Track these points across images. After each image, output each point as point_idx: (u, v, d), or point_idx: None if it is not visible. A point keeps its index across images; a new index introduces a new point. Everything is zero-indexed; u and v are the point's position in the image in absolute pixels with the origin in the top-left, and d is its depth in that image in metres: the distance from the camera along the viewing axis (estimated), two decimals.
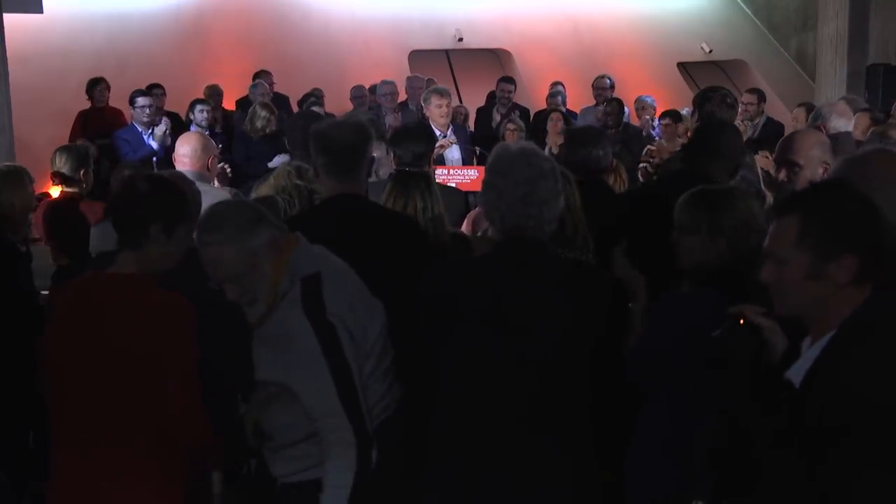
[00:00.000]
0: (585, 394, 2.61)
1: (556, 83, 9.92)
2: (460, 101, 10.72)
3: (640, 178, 6.31)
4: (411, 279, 2.73)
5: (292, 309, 2.54)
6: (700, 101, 4.73)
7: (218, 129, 8.48)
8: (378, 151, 4.19)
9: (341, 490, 2.50)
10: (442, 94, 6.37)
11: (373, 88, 9.22)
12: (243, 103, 9.30)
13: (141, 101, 7.69)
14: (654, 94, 9.41)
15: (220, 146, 7.39)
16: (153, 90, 8.41)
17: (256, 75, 9.69)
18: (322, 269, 2.61)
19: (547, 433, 2.56)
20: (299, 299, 2.55)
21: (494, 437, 2.55)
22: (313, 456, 2.59)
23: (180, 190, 2.71)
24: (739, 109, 6.86)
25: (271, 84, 9.58)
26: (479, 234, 3.89)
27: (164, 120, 7.87)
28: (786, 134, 7.79)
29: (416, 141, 4.11)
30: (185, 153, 4.36)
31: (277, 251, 2.55)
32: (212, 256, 2.50)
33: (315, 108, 7.91)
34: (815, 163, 3.46)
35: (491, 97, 9.75)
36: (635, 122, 9.02)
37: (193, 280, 2.84)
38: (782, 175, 3.57)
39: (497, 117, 8.94)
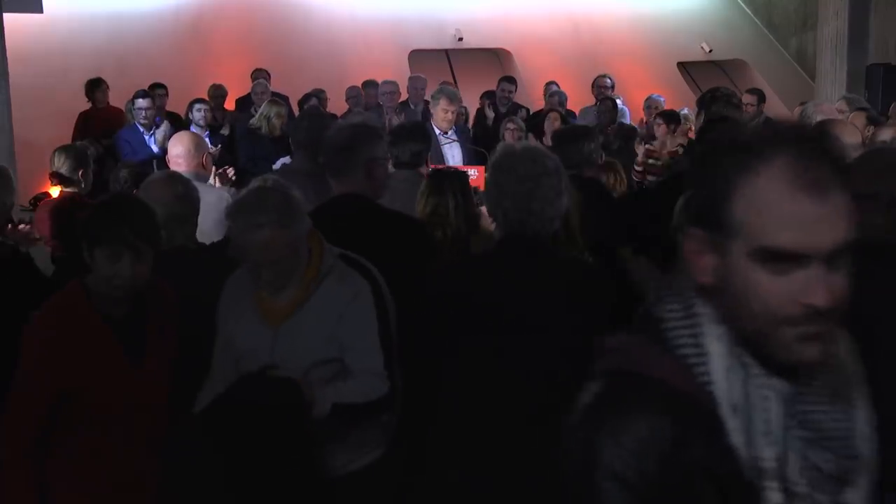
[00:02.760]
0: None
1: (550, 83, 9.91)
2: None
3: (634, 178, 6.32)
4: (408, 278, 2.74)
5: (349, 277, 2.65)
6: (708, 101, 4.72)
7: (224, 131, 8.48)
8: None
9: (358, 394, 2.56)
10: (452, 99, 6.37)
11: (366, 84, 9.21)
12: (243, 103, 9.30)
13: (139, 102, 7.70)
14: (655, 93, 9.40)
15: (220, 146, 7.42)
16: (156, 90, 8.41)
17: (254, 74, 9.70)
18: (341, 250, 2.73)
19: (552, 432, 2.55)
20: (351, 268, 2.66)
21: (500, 436, 2.56)
22: (368, 444, 2.68)
23: (99, 215, 2.69)
24: None
25: (267, 79, 9.60)
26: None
27: (165, 123, 7.87)
28: None
29: (413, 140, 4.14)
30: (179, 153, 4.38)
31: (312, 234, 2.64)
32: (262, 239, 2.51)
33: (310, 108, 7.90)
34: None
35: (483, 96, 9.73)
36: (639, 121, 9.02)
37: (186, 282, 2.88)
38: None
39: (490, 114, 8.93)
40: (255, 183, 2.65)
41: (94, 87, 8.98)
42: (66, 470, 2.68)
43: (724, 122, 3.95)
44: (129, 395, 2.67)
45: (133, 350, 2.69)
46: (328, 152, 3.23)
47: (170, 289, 2.86)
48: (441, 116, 6.30)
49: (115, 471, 2.68)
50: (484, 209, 4.14)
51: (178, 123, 8.21)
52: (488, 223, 3.88)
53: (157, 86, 8.67)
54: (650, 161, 6.52)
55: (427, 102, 8.31)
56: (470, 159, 6.48)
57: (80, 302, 2.66)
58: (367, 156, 3.17)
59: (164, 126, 7.76)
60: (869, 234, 2.20)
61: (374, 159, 3.19)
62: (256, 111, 8.00)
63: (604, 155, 4.73)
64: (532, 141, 7.03)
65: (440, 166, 5.67)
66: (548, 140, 7.46)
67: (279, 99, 8.17)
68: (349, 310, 2.61)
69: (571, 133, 4.22)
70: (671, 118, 7.08)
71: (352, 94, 9.23)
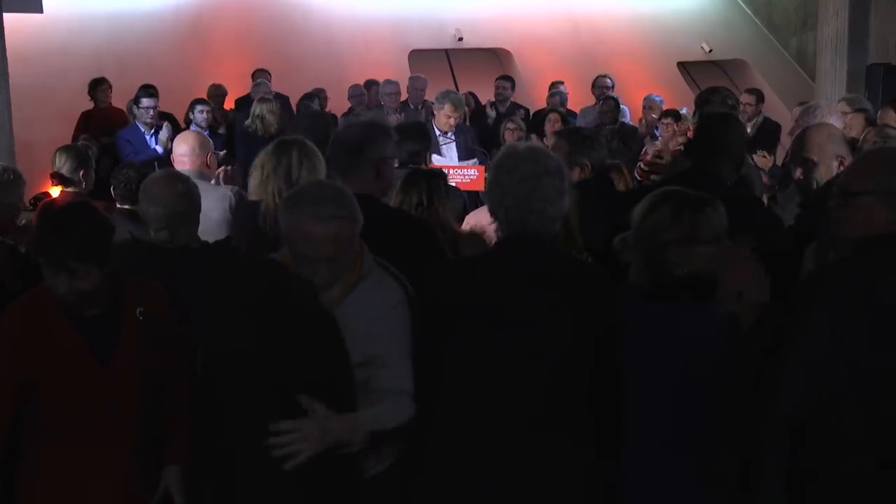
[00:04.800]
0: (588, 393, 2.62)
1: (556, 83, 9.92)
2: None
3: (637, 177, 6.32)
4: (414, 279, 2.74)
5: (386, 282, 2.63)
6: (700, 104, 4.75)
7: (221, 131, 8.48)
8: None
9: (391, 419, 2.56)
10: (457, 106, 6.42)
11: (368, 84, 9.20)
12: (243, 103, 9.30)
13: (145, 102, 7.69)
14: (655, 93, 9.40)
15: (220, 146, 7.41)
16: (149, 90, 8.40)
17: (255, 74, 9.69)
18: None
19: (555, 432, 2.56)
20: (389, 274, 2.65)
21: (502, 436, 2.56)
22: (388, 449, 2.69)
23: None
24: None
25: (268, 79, 9.60)
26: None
27: (166, 124, 7.86)
28: (782, 133, 7.86)
29: (412, 140, 4.14)
30: (184, 152, 4.40)
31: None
32: (331, 231, 2.47)
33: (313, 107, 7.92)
34: (830, 157, 3.42)
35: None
36: (639, 120, 9.02)
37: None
38: (798, 174, 3.54)
39: (492, 114, 8.94)
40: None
41: (97, 85, 8.99)
42: (36, 465, 2.73)
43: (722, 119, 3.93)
44: (97, 391, 2.68)
45: (102, 348, 2.70)
46: (337, 150, 3.17)
47: (160, 289, 2.85)
48: (443, 121, 6.37)
49: (85, 465, 2.71)
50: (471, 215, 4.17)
51: (175, 124, 8.21)
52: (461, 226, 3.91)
53: (146, 86, 8.64)
54: (656, 160, 6.55)
55: (427, 102, 8.33)
56: (468, 159, 6.49)
57: (46, 300, 2.68)
58: (378, 155, 3.13)
59: (166, 127, 7.76)
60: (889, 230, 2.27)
61: (383, 158, 3.15)
62: None
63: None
64: (536, 141, 7.04)
65: (437, 166, 5.69)
66: (549, 140, 7.47)
67: (270, 97, 8.16)
68: (387, 318, 2.58)
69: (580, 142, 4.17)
70: (678, 117, 7.13)
71: (355, 93, 9.20)
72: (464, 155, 6.48)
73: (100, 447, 2.72)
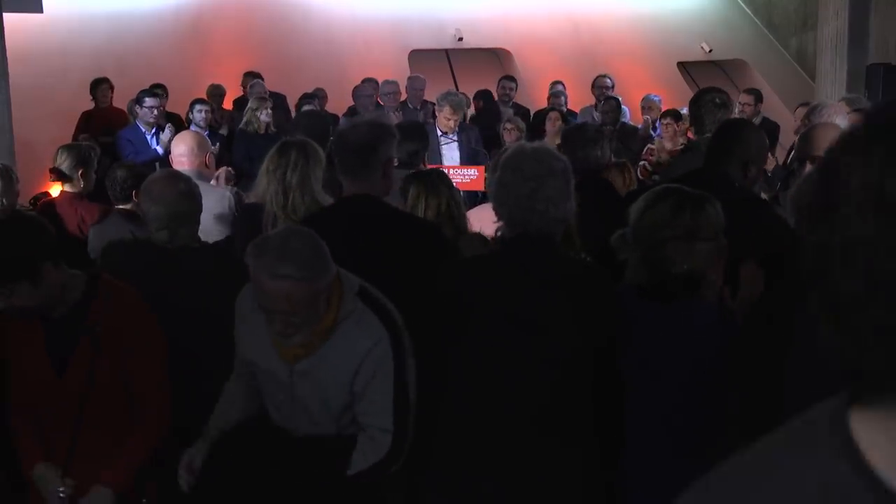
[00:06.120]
0: (591, 393, 2.62)
1: (556, 83, 9.92)
2: None
3: (639, 176, 6.33)
4: (421, 281, 2.72)
5: (367, 324, 2.56)
6: (691, 103, 4.78)
7: (222, 131, 8.47)
8: None
9: (364, 460, 2.59)
10: (456, 109, 6.45)
11: (365, 81, 9.17)
12: (241, 103, 9.30)
13: (149, 101, 7.67)
14: (654, 93, 9.40)
15: (219, 146, 7.40)
16: (155, 90, 8.41)
17: (246, 77, 9.67)
18: (360, 282, 2.63)
19: (558, 433, 2.57)
20: (371, 313, 2.57)
21: (506, 436, 2.56)
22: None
23: None
24: (737, 110, 6.87)
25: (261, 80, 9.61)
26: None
27: (169, 126, 7.84)
28: (781, 133, 7.86)
29: (410, 140, 4.14)
30: (182, 153, 4.41)
31: (335, 280, 2.54)
32: (286, 291, 2.39)
33: (310, 107, 7.91)
34: None
35: (476, 97, 9.68)
36: (638, 120, 9.02)
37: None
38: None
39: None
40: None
41: (98, 84, 8.99)
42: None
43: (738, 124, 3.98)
44: (51, 400, 2.65)
45: (60, 357, 2.65)
46: (343, 151, 3.12)
47: (131, 292, 2.79)
48: (444, 122, 6.43)
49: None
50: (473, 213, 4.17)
51: (179, 126, 8.20)
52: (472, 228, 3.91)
53: (156, 86, 8.66)
54: (657, 160, 6.57)
55: (427, 102, 8.34)
56: (469, 159, 6.51)
57: None
58: (386, 156, 3.11)
59: (168, 129, 7.74)
60: None
61: (390, 159, 3.13)
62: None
63: (612, 156, 4.71)
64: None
65: (435, 166, 5.69)
66: (548, 140, 7.47)
67: (265, 96, 8.15)
68: (365, 362, 2.54)
69: (581, 138, 4.17)
70: (678, 117, 7.16)
71: (365, 93, 8.99)
72: (466, 154, 6.50)
73: (59, 451, 2.69)
